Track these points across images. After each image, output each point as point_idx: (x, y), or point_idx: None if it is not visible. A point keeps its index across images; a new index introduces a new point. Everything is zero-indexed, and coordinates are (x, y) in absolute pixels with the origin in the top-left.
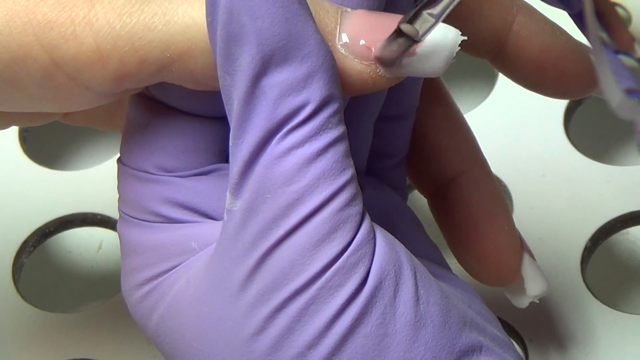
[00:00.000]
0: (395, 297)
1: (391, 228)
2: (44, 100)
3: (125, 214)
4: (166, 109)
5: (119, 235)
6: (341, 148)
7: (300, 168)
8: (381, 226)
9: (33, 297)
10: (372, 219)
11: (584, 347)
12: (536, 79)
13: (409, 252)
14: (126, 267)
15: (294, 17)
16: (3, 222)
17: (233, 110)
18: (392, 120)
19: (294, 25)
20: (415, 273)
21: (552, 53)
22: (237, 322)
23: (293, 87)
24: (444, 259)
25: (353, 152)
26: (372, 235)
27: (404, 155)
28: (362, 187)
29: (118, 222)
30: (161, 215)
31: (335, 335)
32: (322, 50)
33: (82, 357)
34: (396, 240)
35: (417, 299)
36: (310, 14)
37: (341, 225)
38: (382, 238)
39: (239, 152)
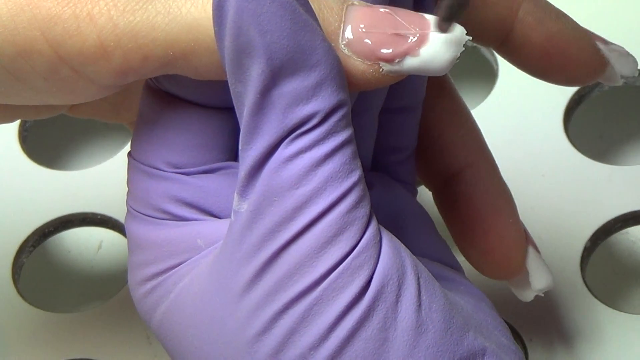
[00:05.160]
0: (397, 302)
1: (400, 227)
2: (49, 93)
3: (133, 209)
4: (176, 103)
5: (126, 229)
6: (349, 150)
7: (307, 171)
8: (390, 225)
9: (33, 297)
10: (381, 218)
11: (584, 346)
12: (542, 66)
13: (414, 257)
14: (132, 262)
15: (302, 28)
16: (3, 222)
17: (243, 117)
18: (399, 112)
19: (302, 36)
20: (418, 279)
21: (558, 40)
22: (240, 323)
23: (302, 96)
24: (454, 258)
25: (358, 145)
26: (377, 238)
27: (413, 149)
28: (370, 184)
29: (126, 216)
30: (168, 213)
31: (338, 338)
32: (330, 58)
33: (82, 357)
34: (402, 244)
35: (419, 305)
36: (317, 19)
37: (348, 227)
38: (388, 242)
39: (248, 156)
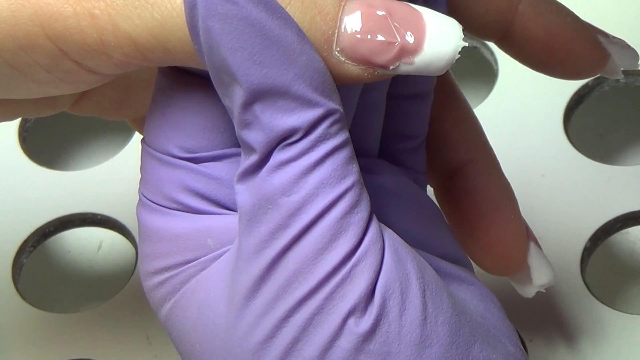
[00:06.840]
0: (401, 316)
1: (405, 218)
2: (52, 84)
3: (145, 197)
4: (188, 85)
5: (137, 217)
6: (341, 156)
7: (297, 179)
8: (395, 215)
9: (33, 297)
10: (386, 207)
11: (584, 346)
12: (543, 59)
13: (422, 265)
14: (142, 252)
15: (275, 43)
16: (3, 222)
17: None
18: (410, 99)
19: (276, 50)
20: (424, 291)
21: (559, 33)
22: (243, 333)
23: (285, 108)
24: (464, 254)
25: (363, 130)
26: (378, 245)
27: (424, 137)
28: (376, 171)
29: (138, 204)
30: (179, 203)
31: (341, 350)
32: (310, 70)
33: (82, 357)
34: (409, 251)
35: (425, 318)
36: (295, 26)
37: (343, 233)
38: (391, 253)
39: (242, 167)
